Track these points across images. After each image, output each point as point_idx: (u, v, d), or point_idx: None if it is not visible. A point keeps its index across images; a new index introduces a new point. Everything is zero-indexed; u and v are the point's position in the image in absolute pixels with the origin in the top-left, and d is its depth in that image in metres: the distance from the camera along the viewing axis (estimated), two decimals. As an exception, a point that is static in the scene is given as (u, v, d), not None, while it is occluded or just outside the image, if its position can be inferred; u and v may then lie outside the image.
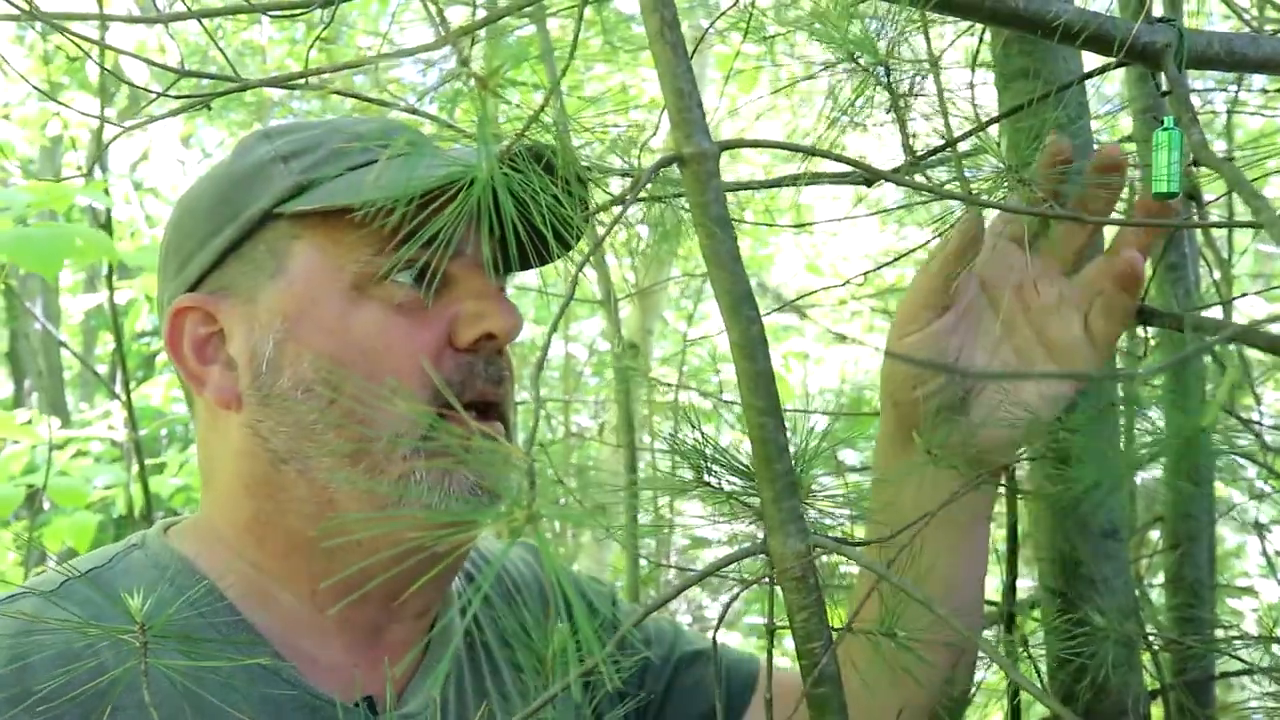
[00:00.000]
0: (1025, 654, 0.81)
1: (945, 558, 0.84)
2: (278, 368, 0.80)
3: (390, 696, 0.82)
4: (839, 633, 0.64)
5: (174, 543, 0.85)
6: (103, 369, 5.48)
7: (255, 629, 0.80)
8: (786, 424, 0.58)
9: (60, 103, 1.10)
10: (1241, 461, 1.61)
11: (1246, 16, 1.17)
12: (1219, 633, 1.12)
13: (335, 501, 0.80)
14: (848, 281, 1.15)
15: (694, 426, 0.70)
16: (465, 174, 0.56)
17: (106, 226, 2.24)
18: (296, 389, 0.80)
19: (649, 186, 0.64)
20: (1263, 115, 1.77)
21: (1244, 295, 0.70)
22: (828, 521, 0.66)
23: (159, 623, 0.65)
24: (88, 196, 2.26)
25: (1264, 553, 1.72)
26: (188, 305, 0.84)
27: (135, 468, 2.33)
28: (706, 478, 0.68)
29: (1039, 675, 0.78)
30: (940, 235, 0.98)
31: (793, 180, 0.94)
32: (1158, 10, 0.97)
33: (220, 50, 0.92)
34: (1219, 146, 1.79)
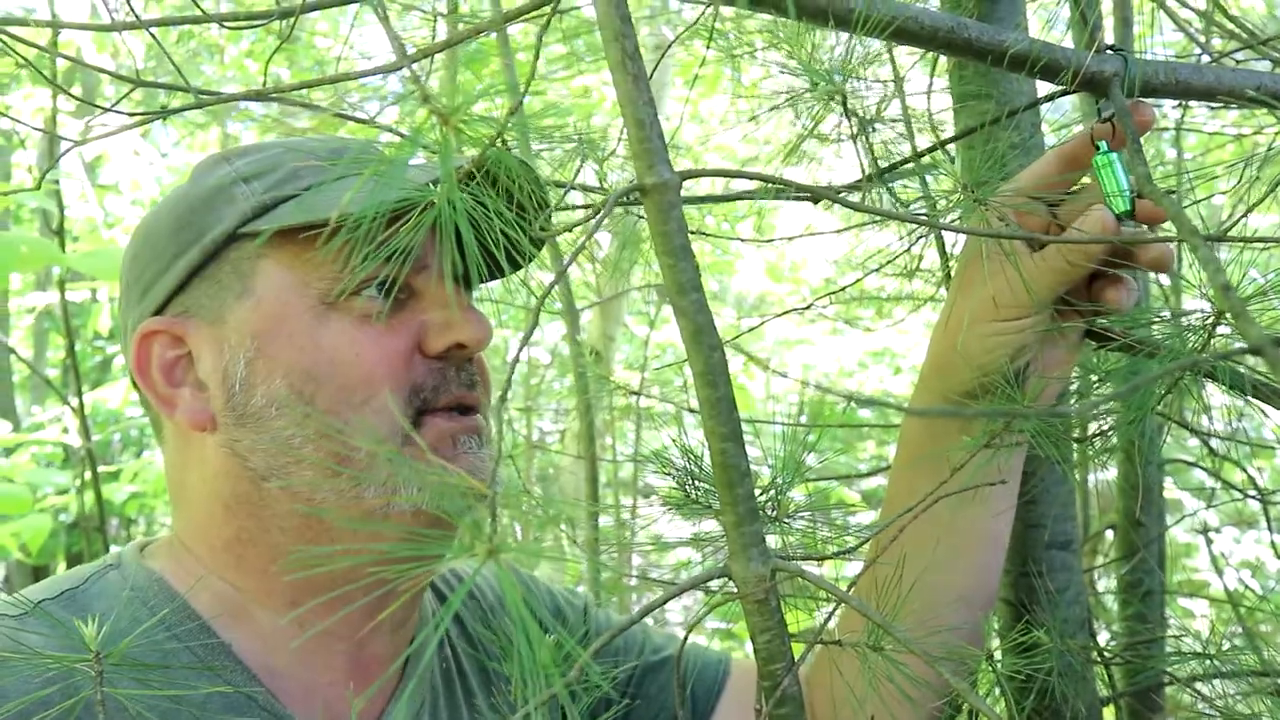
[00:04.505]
0: (989, 668, 0.82)
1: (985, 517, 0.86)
2: (250, 386, 0.80)
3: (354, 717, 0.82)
4: (809, 645, 0.65)
5: (150, 563, 0.84)
6: (54, 372, 5.39)
7: (231, 650, 0.80)
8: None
9: (10, 116, 1.08)
10: (1190, 464, 1.65)
11: (1196, 35, 1.19)
12: (1169, 640, 1.15)
13: (322, 514, 0.80)
14: (809, 305, 1.17)
15: (681, 447, 0.71)
16: (425, 195, 0.58)
17: (59, 232, 2.21)
18: (270, 405, 0.80)
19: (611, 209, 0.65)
20: (1206, 131, 1.80)
21: (1191, 313, 0.72)
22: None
23: (117, 650, 0.64)
24: (38, 200, 2.22)
25: (1211, 554, 1.76)
26: (155, 329, 0.84)
27: (88, 474, 2.30)
28: (694, 495, 0.70)
29: (1003, 688, 0.80)
30: (908, 249, 1.00)
31: (750, 195, 0.95)
32: (1112, 35, 0.99)
33: (173, 63, 0.91)
34: (1169, 154, 1.83)
